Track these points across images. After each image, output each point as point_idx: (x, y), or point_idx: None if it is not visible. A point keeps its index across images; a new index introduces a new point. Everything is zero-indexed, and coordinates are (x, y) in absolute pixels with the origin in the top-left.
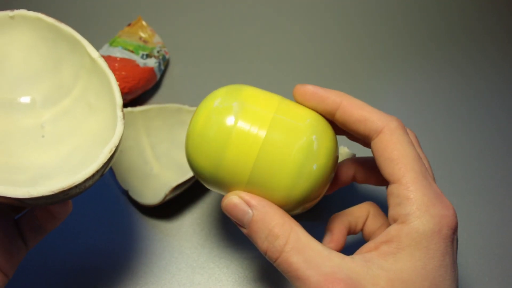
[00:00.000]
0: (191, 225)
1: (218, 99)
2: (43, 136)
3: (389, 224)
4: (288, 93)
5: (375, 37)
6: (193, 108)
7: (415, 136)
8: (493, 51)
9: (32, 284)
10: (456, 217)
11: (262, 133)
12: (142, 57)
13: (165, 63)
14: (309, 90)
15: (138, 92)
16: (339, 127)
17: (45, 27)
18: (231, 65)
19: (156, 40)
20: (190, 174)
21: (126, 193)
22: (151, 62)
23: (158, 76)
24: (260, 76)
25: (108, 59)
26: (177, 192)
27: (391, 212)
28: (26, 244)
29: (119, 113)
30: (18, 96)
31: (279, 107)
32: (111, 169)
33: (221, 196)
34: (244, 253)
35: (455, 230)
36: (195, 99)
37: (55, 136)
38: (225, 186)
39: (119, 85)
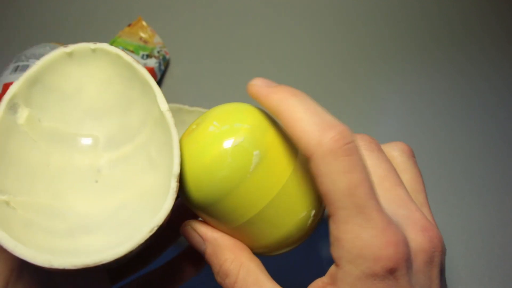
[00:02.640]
0: None
1: (240, 138)
2: (96, 181)
3: None
4: None
5: (375, 37)
6: (193, 108)
7: (409, 151)
8: (493, 51)
9: None
10: (399, 254)
11: (270, 195)
12: (142, 57)
13: (165, 63)
14: (253, 88)
15: None
16: None
17: (123, 64)
18: (231, 65)
19: (156, 40)
20: None
21: None
22: (151, 62)
23: (159, 76)
24: (260, 76)
25: None
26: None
27: (331, 250)
28: None
29: (173, 184)
30: (82, 132)
31: (292, 172)
32: None
33: None
34: None
35: (395, 270)
36: (195, 99)
37: (109, 184)
38: (212, 219)
39: None
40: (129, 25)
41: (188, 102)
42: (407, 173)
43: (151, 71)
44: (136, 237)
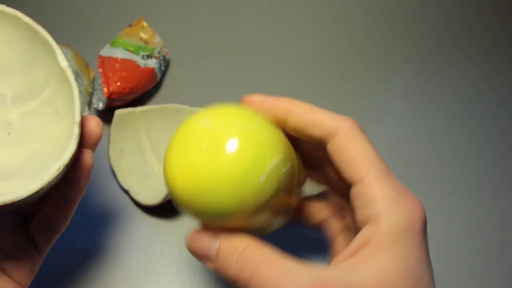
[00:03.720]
0: (191, 224)
1: (277, 158)
2: (8, 134)
3: (356, 232)
4: (288, 94)
5: (375, 37)
6: (194, 109)
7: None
8: (493, 51)
9: (35, 282)
10: (424, 211)
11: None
12: (142, 57)
13: (165, 64)
14: (257, 99)
15: (139, 93)
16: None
17: (23, 26)
18: (232, 65)
19: (157, 40)
20: None
21: (127, 192)
22: (152, 63)
23: (159, 76)
24: (260, 76)
25: (109, 59)
26: None
27: (359, 214)
28: (39, 252)
29: (75, 130)
30: None
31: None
32: (112, 169)
33: None
34: None
35: (425, 224)
36: (195, 99)
37: (20, 135)
38: (218, 225)
39: (120, 86)
40: (130, 26)
41: (188, 102)
42: None
43: (152, 71)
44: (46, 176)
